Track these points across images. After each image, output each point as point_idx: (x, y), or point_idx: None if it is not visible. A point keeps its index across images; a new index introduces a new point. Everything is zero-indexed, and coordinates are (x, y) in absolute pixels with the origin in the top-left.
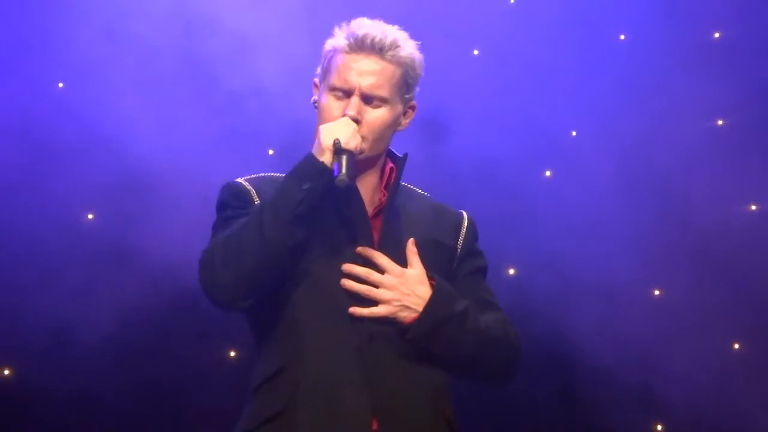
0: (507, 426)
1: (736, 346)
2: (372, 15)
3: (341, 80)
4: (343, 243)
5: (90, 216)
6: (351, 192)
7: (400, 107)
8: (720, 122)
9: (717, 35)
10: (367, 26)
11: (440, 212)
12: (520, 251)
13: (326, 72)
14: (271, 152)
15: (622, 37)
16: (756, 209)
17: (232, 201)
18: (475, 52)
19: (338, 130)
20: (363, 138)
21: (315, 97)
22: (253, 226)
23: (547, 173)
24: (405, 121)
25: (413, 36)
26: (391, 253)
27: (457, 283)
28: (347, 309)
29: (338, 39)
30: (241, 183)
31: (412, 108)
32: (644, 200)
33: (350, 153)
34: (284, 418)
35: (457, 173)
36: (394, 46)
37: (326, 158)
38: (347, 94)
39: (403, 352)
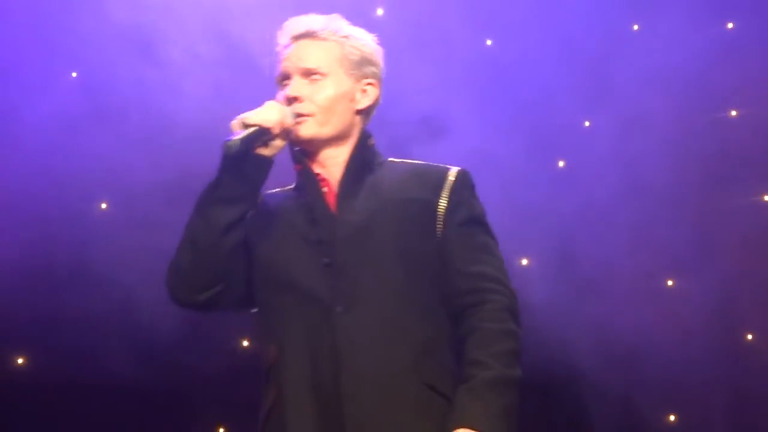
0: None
1: (750, 336)
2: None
3: (281, 69)
4: (305, 228)
5: (104, 205)
6: (307, 178)
7: (348, 82)
8: (733, 113)
9: (730, 26)
10: (295, 19)
11: (423, 173)
12: (534, 242)
13: (276, 77)
14: None
15: (636, 27)
16: None
17: None
18: (489, 42)
19: (246, 113)
20: (310, 113)
21: None
22: (186, 225)
23: (561, 163)
24: (363, 100)
25: (428, 24)
26: (348, 229)
27: (449, 235)
28: (316, 293)
29: (277, 49)
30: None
31: (372, 86)
32: (657, 191)
33: (259, 127)
34: (274, 415)
35: (471, 163)
36: (324, 27)
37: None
38: (289, 79)
39: (382, 315)
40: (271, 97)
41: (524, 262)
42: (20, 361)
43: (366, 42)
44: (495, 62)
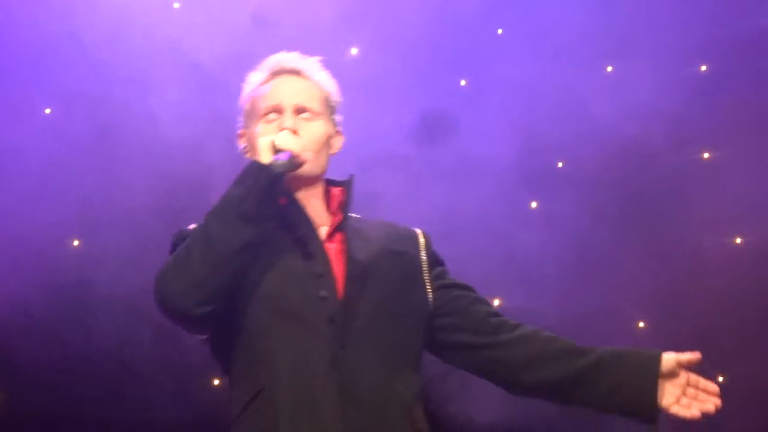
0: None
1: (720, 378)
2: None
3: (270, 101)
4: (297, 261)
5: (75, 242)
6: (297, 212)
7: (330, 126)
8: (706, 155)
9: (704, 68)
10: (283, 55)
11: (393, 228)
12: (506, 282)
13: (252, 110)
14: None
15: (609, 69)
16: (741, 242)
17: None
18: (462, 83)
19: (276, 137)
20: (304, 148)
21: (243, 144)
22: (199, 233)
23: (533, 204)
24: (336, 145)
25: (406, 61)
26: (356, 269)
27: (445, 288)
28: (312, 323)
29: (256, 76)
30: (193, 227)
31: (339, 133)
32: (629, 232)
33: (291, 152)
34: None
35: (442, 199)
36: (312, 69)
37: (265, 158)
38: (279, 112)
39: (378, 357)
40: None
41: (496, 302)
42: None
43: (336, 90)
44: (469, 102)
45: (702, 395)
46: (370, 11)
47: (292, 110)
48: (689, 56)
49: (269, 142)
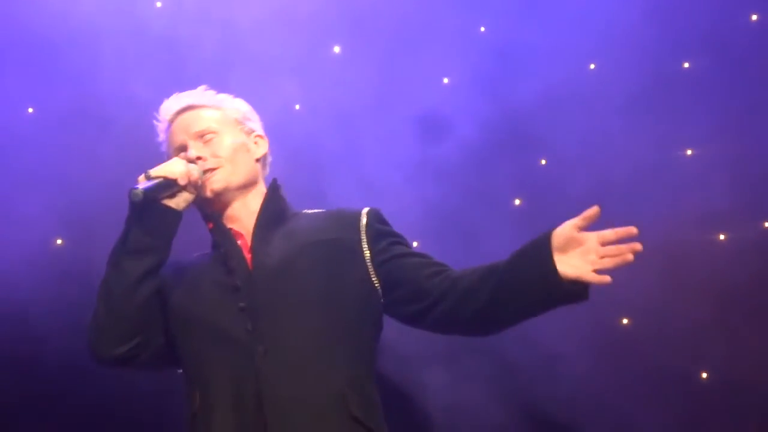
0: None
1: (704, 375)
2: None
3: (175, 144)
4: (221, 278)
5: (59, 241)
6: (220, 231)
7: (240, 135)
8: (689, 152)
9: (686, 65)
10: (168, 102)
11: (336, 216)
12: None
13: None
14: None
15: (592, 66)
16: (724, 239)
17: None
18: (445, 81)
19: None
20: (217, 165)
21: None
22: (102, 280)
23: (517, 201)
24: (259, 150)
25: (388, 59)
26: (262, 274)
27: (387, 262)
28: (236, 336)
29: (160, 131)
30: None
31: (261, 138)
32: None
33: (164, 179)
34: None
35: (425, 195)
36: (200, 97)
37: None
38: (185, 149)
39: (303, 353)
40: None
41: None
42: None
43: (239, 103)
44: (452, 99)
45: (623, 248)
46: (353, 9)
47: (194, 139)
48: (671, 53)
49: (144, 174)
